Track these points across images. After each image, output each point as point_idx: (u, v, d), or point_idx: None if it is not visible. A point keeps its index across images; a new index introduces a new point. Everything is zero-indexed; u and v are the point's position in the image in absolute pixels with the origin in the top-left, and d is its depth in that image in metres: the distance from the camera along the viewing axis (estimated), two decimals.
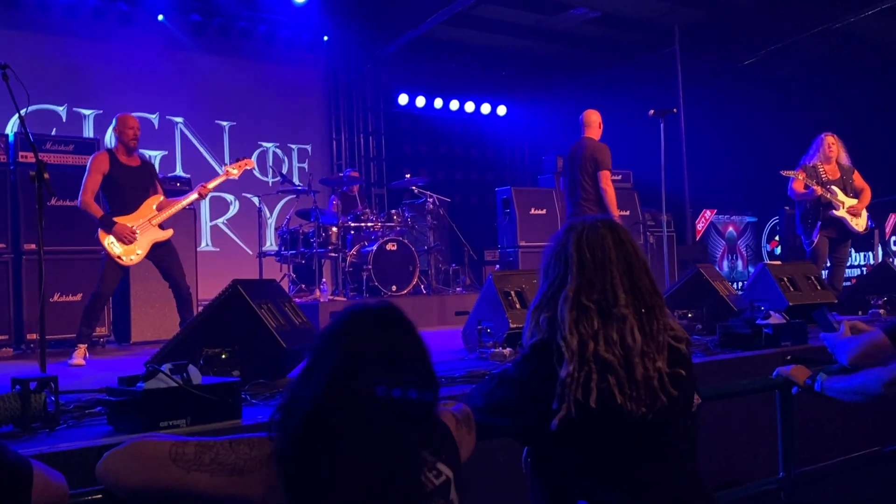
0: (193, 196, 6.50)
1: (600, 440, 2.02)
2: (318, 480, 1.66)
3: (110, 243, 5.96)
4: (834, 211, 7.53)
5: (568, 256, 2.12)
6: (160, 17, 11.13)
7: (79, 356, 5.81)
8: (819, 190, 7.48)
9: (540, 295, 2.17)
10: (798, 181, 7.55)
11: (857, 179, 7.73)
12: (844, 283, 8.08)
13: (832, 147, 7.64)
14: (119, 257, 5.98)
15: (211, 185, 6.63)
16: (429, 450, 1.79)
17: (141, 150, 6.59)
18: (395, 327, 1.82)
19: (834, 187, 7.54)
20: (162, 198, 6.34)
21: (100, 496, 1.77)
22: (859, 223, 7.63)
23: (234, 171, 6.81)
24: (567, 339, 2.03)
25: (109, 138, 10.65)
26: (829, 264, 7.81)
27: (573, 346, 2.02)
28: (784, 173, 7.61)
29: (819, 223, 7.59)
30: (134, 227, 6.06)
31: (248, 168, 6.98)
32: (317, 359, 1.77)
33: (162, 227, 6.25)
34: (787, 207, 11.82)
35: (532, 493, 2.19)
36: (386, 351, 1.76)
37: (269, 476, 1.67)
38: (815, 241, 7.60)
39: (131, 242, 6.00)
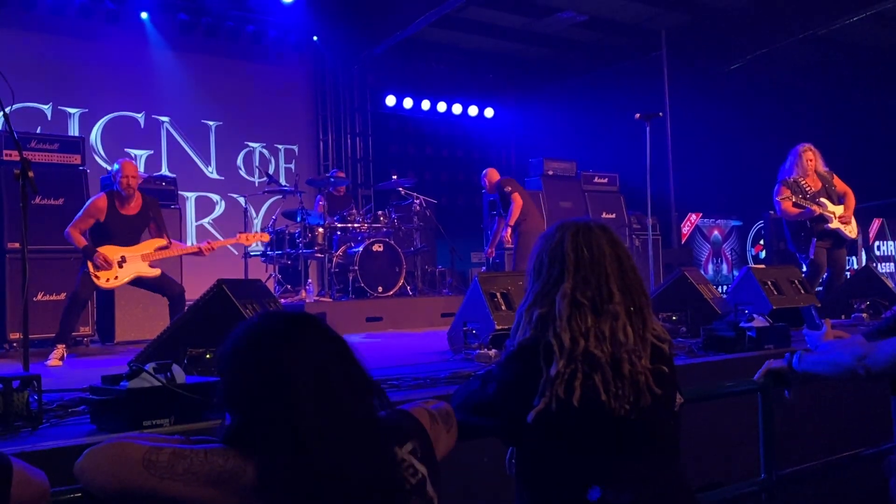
0: (195, 249, 6.51)
1: (583, 439, 2.03)
2: (294, 485, 1.66)
3: (91, 264, 6.00)
4: (828, 224, 7.48)
5: (564, 254, 2.15)
6: (147, 17, 11.09)
7: (56, 357, 5.79)
8: (817, 209, 7.40)
9: (533, 293, 2.18)
10: (788, 202, 7.45)
11: (838, 184, 7.66)
12: None
13: (810, 162, 7.56)
14: (96, 276, 6.01)
15: (217, 245, 6.59)
16: (404, 448, 1.79)
17: (126, 150, 6.57)
18: (314, 334, 1.79)
19: (822, 199, 7.51)
20: (165, 242, 6.33)
21: (80, 495, 1.77)
22: (851, 230, 7.59)
23: (247, 241, 6.89)
24: (560, 336, 2.05)
25: (95, 137, 10.63)
26: (827, 272, 7.82)
27: (565, 342, 2.04)
28: (777, 198, 7.48)
29: (814, 239, 7.55)
30: (121, 257, 6.08)
31: (263, 241, 7.04)
32: (239, 374, 1.74)
33: (151, 265, 6.25)
34: (771, 212, 11.87)
35: (517, 493, 2.19)
36: (307, 352, 1.74)
37: (243, 487, 1.67)
38: (813, 255, 7.56)
39: (109, 269, 6.02)
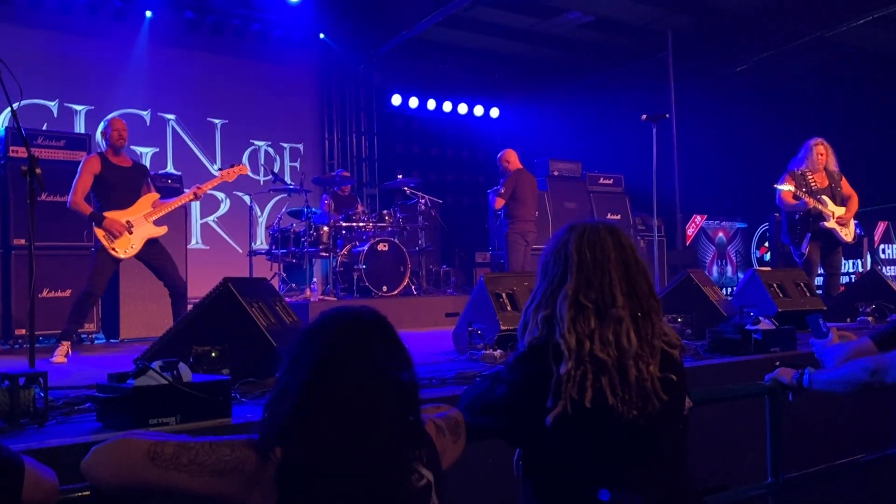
0: (189, 196, 6.52)
1: (592, 441, 2.02)
2: (307, 478, 1.67)
3: (104, 237, 5.98)
4: (824, 223, 7.47)
5: (568, 256, 2.13)
6: (151, 15, 11.09)
7: (61, 353, 5.78)
8: (811, 202, 7.42)
9: (539, 293, 2.18)
10: (787, 192, 7.48)
11: (845, 186, 7.65)
12: None
13: (822, 156, 7.55)
14: (114, 249, 5.99)
15: (206, 187, 6.65)
16: (411, 453, 1.80)
17: (132, 148, 6.59)
18: (374, 328, 1.83)
19: (824, 197, 7.48)
20: (157, 197, 6.37)
21: (88, 493, 1.77)
22: (848, 233, 7.57)
23: (229, 176, 6.85)
24: (566, 337, 2.04)
25: (100, 141, 10.64)
26: (822, 273, 7.82)
27: (571, 344, 2.03)
28: (777, 186, 7.55)
29: (809, 234, 7.55)
30: (126, 222, 6.07)
31: (242, 174, 7.02)
32: (296, 358, 1.79)
33: (156, 224, 6.27)
34: (776, 214, 11.85)
35: (523, 495, 2.19)
36: (364, 350, 1.78)
37: (248, 477, 1.68)
38: (806, 252, 7.56)
39: (121, 235, 6.01)
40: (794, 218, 7.62)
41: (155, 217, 6.25)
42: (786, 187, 7.44)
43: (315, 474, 1.67)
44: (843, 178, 7.68)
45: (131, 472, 1.66)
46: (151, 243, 6.20)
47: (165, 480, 1.66)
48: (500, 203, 9.33)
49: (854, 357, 2.93)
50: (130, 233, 6.07)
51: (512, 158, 9.61)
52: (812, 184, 7.51)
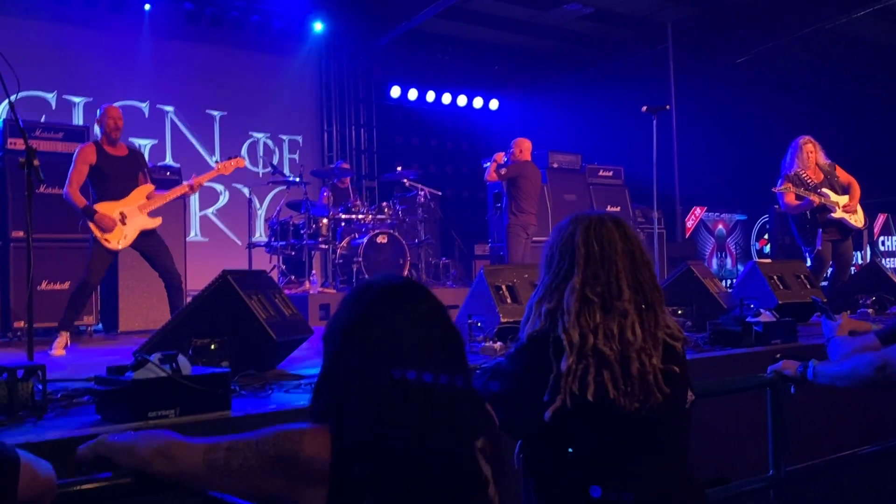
0: (184, 189, 6.49)
1: (593, 434, 2.01)
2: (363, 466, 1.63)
3: (96, 229, 5.95)
4: (832, 214, 7.48)
5: (574, 248, 2.12)
6: (150, 7, 11.05)
7: (59, 346, 5.76)
8: (816, 199, 7.41)
9: (543, 286, 2.16)
10: (790, 194, 7.47)
11: (842, 174, 7.65)
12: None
13: (811, 154, 7.56)
14: (107, 241, 5.96)
15: (202, 179, 6.61)
16: (476, 444, 1.74)
17: (130, 139, 6.56)
18: (421, 305, 1.77)
19: (824, 190, 7.49)
20: (153, 188, 6.33)
21: (87, 486, 1.75)
22: (858, 219, 7.58)
23: (226, 169, 6.82)
24: (569, 331, 2.03)
25: (96, 130, 10.61)
26: (832, 266, 7.80)
27: (574, 338, 2.02)
28: (776, 190, 7.54)
29: (819, 230, 7.54)
30: (120, 214, 6.03)
31: (239, 167, 6.99)
32: (346, 331, 1.73)
33: (150, 215, 6.23)
34: (776, 206, 11.84)
35: (524, 488, 2.18)
36: (416, 332, 1.72)
37: (293, 471, 1.66)
38: (820, 247, 7.53)
39: (113, 228, 5.98)
40: (804, 217, 7.60)
41: (149, 209, 6.21)
42: (787, 189, 7.42)
43: (373, 460, 1.62)
44: (837, 167, 7.68)
45: (189, 476, 1.72)
46: (146, 234, 6.17)
47: (221, 486, 1.71)
48: (492, 176, 9.18)
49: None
50: (124, 224, 6.04)
51: (524, 148, 9.41)
52: (809, 181, 7.51)
